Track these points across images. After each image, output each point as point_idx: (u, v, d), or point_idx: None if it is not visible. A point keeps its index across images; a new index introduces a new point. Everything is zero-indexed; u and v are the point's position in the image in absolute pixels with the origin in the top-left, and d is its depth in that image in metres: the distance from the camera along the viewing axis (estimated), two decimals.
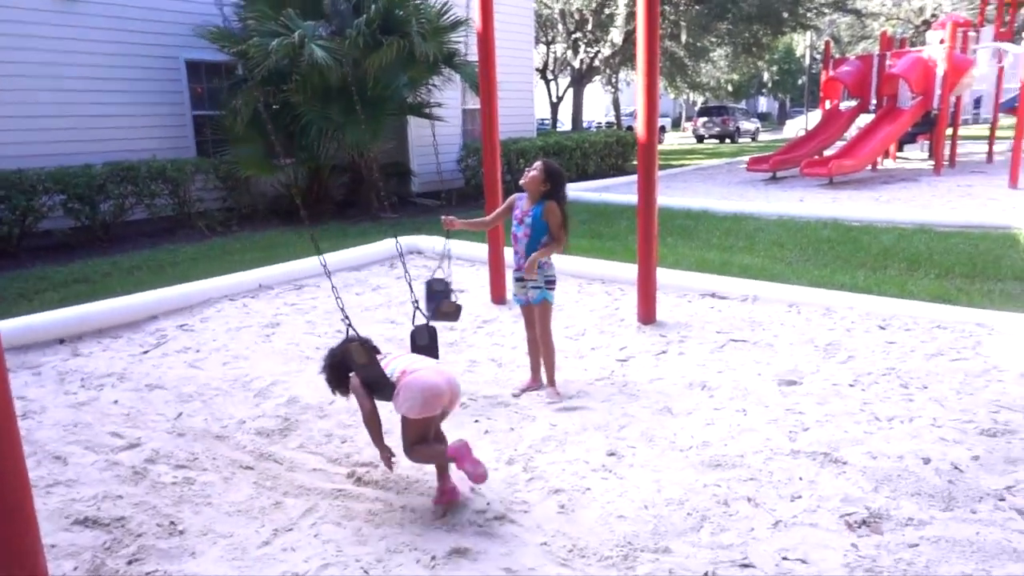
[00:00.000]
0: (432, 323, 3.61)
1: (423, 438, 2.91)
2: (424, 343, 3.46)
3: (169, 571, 2.63)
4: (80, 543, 2.81)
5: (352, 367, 3.00)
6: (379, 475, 3.31)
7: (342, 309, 3.20)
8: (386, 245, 8.28)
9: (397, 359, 3.02)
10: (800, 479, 3.18)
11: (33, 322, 5.29)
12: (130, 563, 2.68)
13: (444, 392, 2.86)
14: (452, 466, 2.95)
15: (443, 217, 4.05)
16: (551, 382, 4.23)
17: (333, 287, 3.43)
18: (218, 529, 2.91)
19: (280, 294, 6.64)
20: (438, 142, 12.01)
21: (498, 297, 6.18)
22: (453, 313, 3.83)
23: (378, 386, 2.94)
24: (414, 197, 13.29)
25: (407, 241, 8.47)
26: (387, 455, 3.01)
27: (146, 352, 5.12)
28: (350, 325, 3.11)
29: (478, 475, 2.80)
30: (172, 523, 2.95)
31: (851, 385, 4.20)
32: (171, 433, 3.82)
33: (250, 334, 5.45)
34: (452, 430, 3.72)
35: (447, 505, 2.99)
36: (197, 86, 11.38)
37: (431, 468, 3.20)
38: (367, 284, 7.03)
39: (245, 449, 3.62)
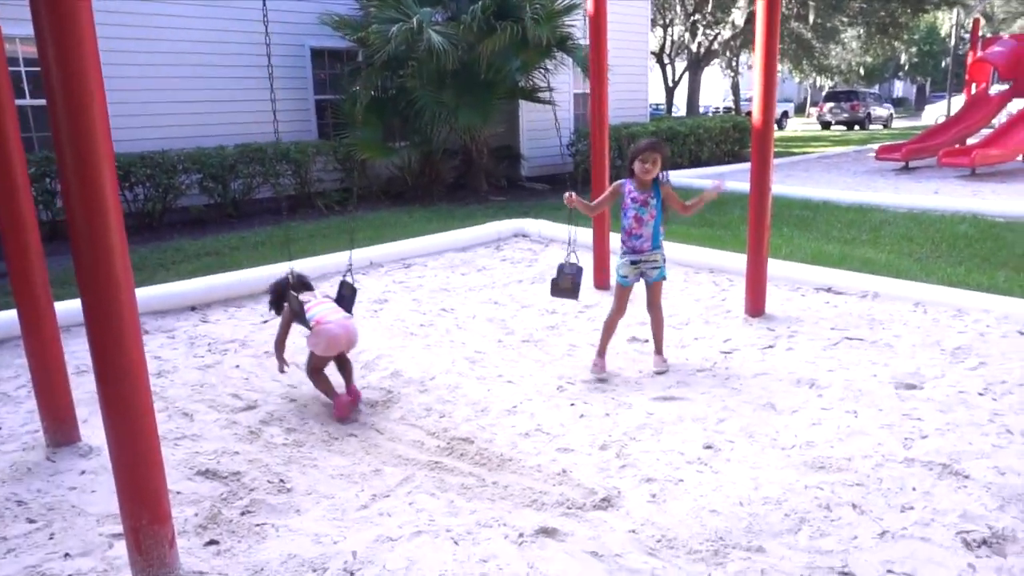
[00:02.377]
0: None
1: (319, 369, 3.82)
2: (347, 295, 4.11)
3: (276, 524, 2.82)
4: (201, 492, 3.06)
5: (288, 304, 3.85)
6: (474, 451, 3.38)
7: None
8: (492, 227, 8.39)
9: (318, 306, 3.85)
10: (913, 489, 2.97)
11: (169, 290, 5.77)
12: (243, 514, 2.89)
13: (342, 342, 3.78)
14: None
15: (566, 194, 4.09)
16: (661, 351, 4.40)
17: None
18: (321, 490, 3.08)
19: (389, 272, 6.89)
20: (548, 126, 12.03)
21: (601, 282, 6.13)
22: (569, 290, 4.26)
23: (300, 321, 3.85)
24: (523, 181, 13.37)
25: (513, 224, 8.56)
26: (282, 364, 3.92)
27: (266, 322, 5.46)
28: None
29: (341, 413, 3.73)
30: (281, 481, 3.15)
31: (980, 394, 3.87)
32: (285, 398, 4.07)
33: (359, 309, 5.68)
34: (548, 412, 3.77)
35: (351, 410, 3.77)
36: (320, 72, 11.93)
37: (525, 449, 3.37)
38: (472, 265, 7.17)
39: (350, 418, 3.80)
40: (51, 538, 2.75)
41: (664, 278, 4.28)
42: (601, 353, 4.33)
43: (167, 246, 8.07)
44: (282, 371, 3.96)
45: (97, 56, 2.12)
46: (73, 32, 2.04)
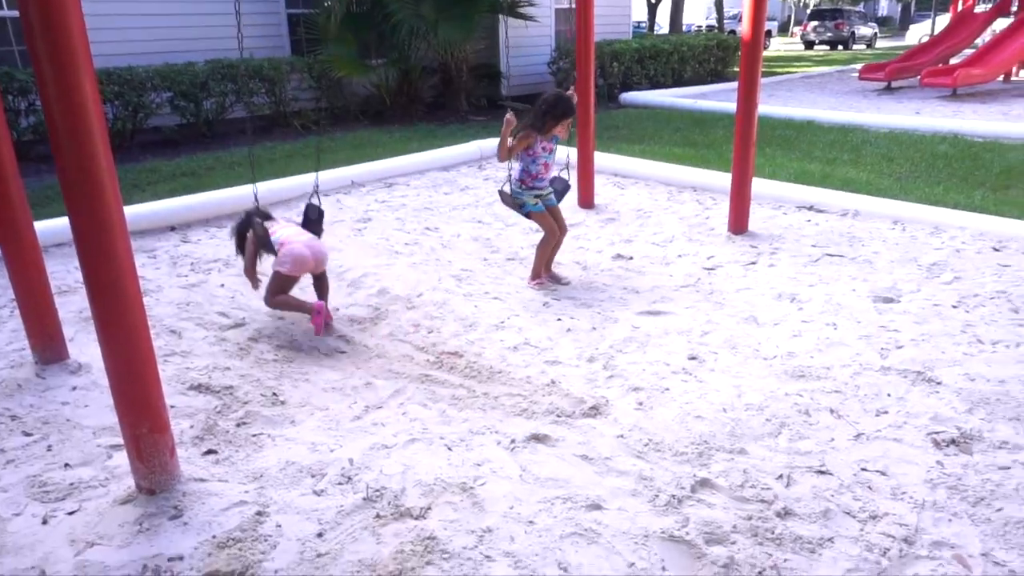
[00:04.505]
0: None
1: (283, 290, 3.76)
2: (313, 218, 4.08)
3: (272, 435, 2.87)
4: (195, 406, 3.10)
5: (252, 232, 3.87)
6: (463, 364, 3.44)
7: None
8: (474, 146, 8.26)
9: (283, 229, 3.87)
10: (888, 395, 3.10)
11: (147, 210, 5.65)
12: (238, 426, 2.95)
13: (309, 259, 3.76)
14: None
15: (508, 115, 4.10)
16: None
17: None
18: (315, 402, 3.14)
19: (371, 191, 6.80)
20: (529, 43, 11.66)
21: (585, 201, 6.12)
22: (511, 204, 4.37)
23: (266, 247, 3.83)
24: (504, 100, 13.08)
25: (495, 143, 8.41)
26: (255, 283, 3.94)
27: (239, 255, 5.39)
28: (256, 202, 3.98)
29: (318, 324, 3.73)
30: (274, 394, 3.20)
31: (954, 306, 3.99)
32: (271, 316, 4.07)
33: (343, 228, 5.65)
34: (535, 327, 3.82)
35: (325, 325, 3.78)
36: None
37: (514, 362, 3.44)
38: (455, 184, 7.10)
39: (339, 334, 3.83)
40: (49, 450, 2.78)
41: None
42: (539, 272, 4.42)
43: (140, 167, 7.85)
44: (255, 288, 3.98)
45: None
46: None
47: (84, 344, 3.64)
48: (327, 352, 3.63)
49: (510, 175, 4.34)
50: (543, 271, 4.45)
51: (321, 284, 3.97)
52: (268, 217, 4.04)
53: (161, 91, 9.13)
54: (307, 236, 3.89)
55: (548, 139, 4.22)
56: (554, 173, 4.42)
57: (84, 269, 2.24)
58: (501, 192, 4.37)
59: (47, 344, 3.47)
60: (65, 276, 4.60)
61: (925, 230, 5.28)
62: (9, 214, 3.25)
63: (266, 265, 3.92)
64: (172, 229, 5.65)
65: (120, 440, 2.55)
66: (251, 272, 3.95)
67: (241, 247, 4.01)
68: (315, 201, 4.08)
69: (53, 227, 4.94)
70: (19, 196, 3.27)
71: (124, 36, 9.54)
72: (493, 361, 3.47)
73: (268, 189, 6.36)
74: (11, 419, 3.01)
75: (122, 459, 2.60)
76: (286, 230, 3.87)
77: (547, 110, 4.09)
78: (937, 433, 2.81)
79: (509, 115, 4.08)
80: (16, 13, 9.00)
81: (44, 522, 2.37)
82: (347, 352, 3.64)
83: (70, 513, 2.41)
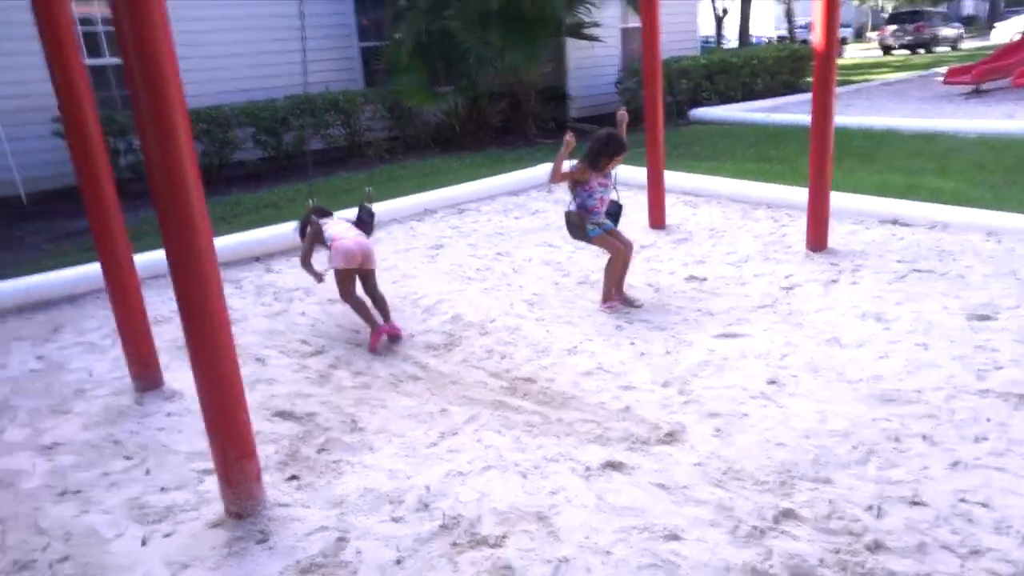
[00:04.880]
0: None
1: (348, 284, 4.05)
2: (365, 219, 4.36)
3: (352, 461, 2.95)
4: (279, 432, 3.22)
5: (309, 226, 4.25)
6: (537, 390, 3.45)
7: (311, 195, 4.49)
8: (543, 170, 8.30)
9: (335, 226, 4.17)
10: (988, 420, 2.92)
11: (234, 242, 5.95)
12: (320, 452, 3.04)
13: (356, 254, 3.99)
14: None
15: (567, 135, 4.14)
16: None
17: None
18: (392, 429, 3.21)
19: (443, 218, 6.94)
20: (595, 64, 11.70)
21: (657, 222, 6.06)
22: (578, 226, 4.37)
23: (319, 239, 4.19)
24: (571, 121, 13.14)
25: (564, 166, 8.44)
26: (315, 275, 4.30)
27: (327, 270, 5.58)
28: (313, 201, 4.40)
29: (372, 344, 4.02)
30: (353, 421, 3.29)
31: None
32: (350, 343, 4.20)
33: (417, 255, 5.78)
34: (608, 351, 3.80)
35: (380, 343, 4.02)
36: (363, 18, 11.82)
37: (587, 387, 3.43)
38: (525, 208, 7.16)
39: (414, 361, 3.91)
40: (147, 473, 2.94)
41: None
42: (611, 294, 4.40)
43: (226, 200, 8.28)
44: (320, 281, 4.36)
45: (166, 14, 2.17)
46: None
47: (177, 372, 3.84)
48: (403, 378, 3.71)
49: (574, 199, 4.36)
50: (614, 293, 4.42)
51: (375, 295, 4.18)
52: (327, 214, 4.40)
53: (245, 127, 9.62)
54: (355, 232, 4.17)
55: (603, 175, 4.25)
56: (613, 196, 4.47)
57: (179, 299, 2.38)
58: (568, 214, 4.40)
59: (144, 372, 3.69)
60: (160, 307, 4.87)
61: (1023, 242, 4.98)
62: (111, 247, 3.49)
63: (322, 257, 4.31)
64: (257, 259, 5.91)
65: (211, 465, 2.67)
66: (307, 261, 4.31)
67: (302, 232, 4.37)
68: (367, 203, 4.41)
69: (149, 260, 5.25)
70: (120, 231, 3.51)
71: (211, 76, 10.11)
72: (566, 387, 3.46)
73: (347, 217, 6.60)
74: (114, 443, 3.21)
75: (212, 484, 2.73)
76: (337, 227, 4.19)
77: (600, 149, 4.16)
78: None
79: (569, 136, 4.12)
80: (117, 61, 9.71)
81: (143, 543, 2.50)
82: (422, 378, 3.71)
83: (166, 535, 2.54)
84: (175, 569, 2.37)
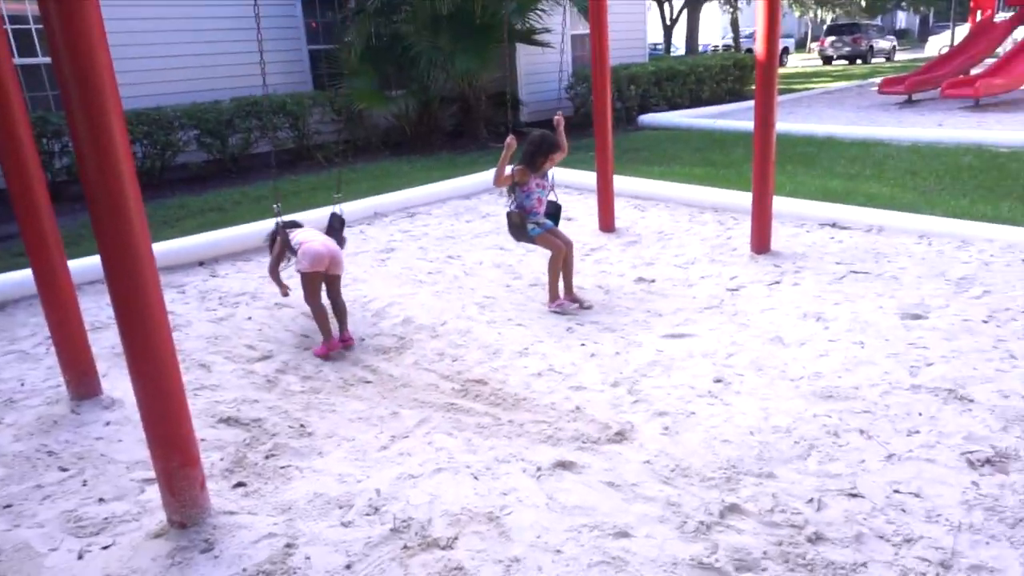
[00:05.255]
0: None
1: (315, 288, 3.98)
2: (336, 226, 4.35)
3: (300, 466, 2.90)
4: (224, 438, 3.14)
5: (277, 236, 4.21)
6: (488, 392, 3.46)
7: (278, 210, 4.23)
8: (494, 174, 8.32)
9: (303, 233, 4.15)
10: (920, 414, 3.05)
11: (177, 246, 5.79)
12: (267, 458, 2.98)
13: (324, 256, 3.95)
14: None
15: (509, 138, 4.26)
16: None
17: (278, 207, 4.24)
18: (341, 433, 3.16)
19: (394, 221, 6.89)
20: (546, 70, 11.81)
21: (606, 225, 6.14)
22: (519, 226, 4.43)
23: (288, 248, 4.14)
24: (523, 126, 13.21)
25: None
26: (282, 287, 4.28)
27: (291, 278, 5.48)
28: (279, 214, 4.20)
29: (319, 352, 3.98)
30: (302, 426, 3.23)
31: (984, 321, 3.92)
32: (298, 348, 4.13)
33: (367, 258, 5.72)
34: (559, 353, 3.83)
35: (331, 354, 3.96)
36: (311, 20, 11.67)
37: (538, 388, 3.45)
38: (476, 212, 7.16)
39: (364, 364, 3.87)
40: (84, 484, 2.84)
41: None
42: (556, 293, 4.45)
43: (169, 203, 8.05)
44: (285, 294, 4.34)
45: (99, 12, 2.10)
46: None
47: (117, 379, 3.72)
48: (353, 382, 3.67)
49: (513, 200, 4.43)
50: (563, 293, 4.47)
51: (336, 302, 4.11)
52: (296, 225, 4.32)
53: (188, 129, 9.37)
54: (323, 237, 4.14)
55: (540, 176, 4.36)
56: (551, 198, 4.59)
57: (115, 304, 2.31)
58: (509, 214, 4.47)
59: (81, 380, 3.55)
60: (98, 313, 4.71)
61: (952, 244, 5.21)
62: (44, 253, 3.36)
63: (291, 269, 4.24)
64: (201, 264, 5.77)
65: (152, 474, 2.59)
66: (275, 271, 4.27)
67: (270, 244, 4.33)
68: (337, 210, 4.41)
69: (86, 265, 5.07)
70: (53, 235, 3.38)
71: (152, 77, 9.82)
72: (518, 388, 3.48)
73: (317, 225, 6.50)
74: (48, 455, 3.08)
75: (154, 493, 2.64)
76: (306, 233, 4.16)
77: (535, 150, 4.28)
78: (971, 453, 2.76)
79: (510, 139, 4.22)
80: (45, 60, 9.35)
81: (80, 557, 2.41)
82: (373, 382, 3.67)
83: (105, 547, 2.45)
84: None
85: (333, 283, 4.10)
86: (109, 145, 2.14)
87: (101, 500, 2.73)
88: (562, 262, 4.42)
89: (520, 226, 4.39)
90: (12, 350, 4.27)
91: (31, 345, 4.32)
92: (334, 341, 4.01)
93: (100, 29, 2.10)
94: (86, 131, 2.12)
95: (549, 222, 4.49)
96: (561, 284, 4.48)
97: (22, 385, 3.80)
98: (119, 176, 2.17)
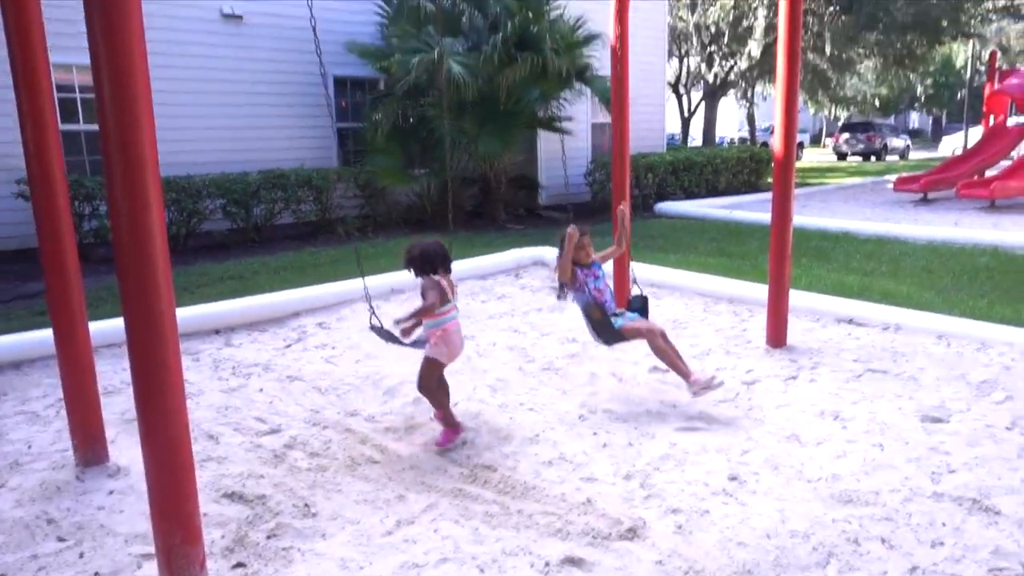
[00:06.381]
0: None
1: (434, 377, 3.73)
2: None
3: (302, 548, 2.83)
4: (227, 515, 3.08)
5: (427, 280, 3.72)
6: (497, 479, 3.39)
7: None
8: (511, 255, 8.44)
9: (453, 309, 3.75)
10: (943, 524, 2.94)
11: (194, 313, 5.85)
12: (269, 538, 2.91)
13: (459, 353, 3.77)
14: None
15: (570, 227, 4.07)
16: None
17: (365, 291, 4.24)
18: (346, 515, 3.09)
19: (410, 298, 6.93)
20: (566, 155, 12.15)
21: (777, 341, 5.68)
22: (600, 320, 4.18)
23: (427, 309, 3.65)
24: (541, 209, 13.46)
25: (532, 252, 8.61)
26: (401, 336, 3.82)
27: (288, 346, 5.52)
28: (373, 313, 3.97)
29: (441, 443, 3.72)
30: (306, 505, 3.17)
31: (1008, 428, 3.83)
32: (308, 423, 4.09)
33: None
34: (571, 441, 3.77)
35: (446, 446, 3.71)
36: (342, 100, 12.16)
37: (549, 477, 3.39)
38: (492, 293, 7.21)
39: (373, 443, 3.82)
40: (81, 556, 2.77)
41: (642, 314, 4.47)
42: (687, 370, 4.14)
43: (191, 270, 8.19)
44: (407, 336, 3.82)
45: (148, 80, 2.20)
46: (126, 56, 2.13)
47: (125, 446, 3.69)
48: (361, 461, 3.62)
49: (574, 300, 4.23)
50: (685, 367, 4.16)
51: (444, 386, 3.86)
52: (448, 265, 3.81)
53: (215, 198, 9.64)
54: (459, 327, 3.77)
55: (587, 267, 4.21)
56: (635, 291, 4.58)
57: (134, 373, 2.31)
58: (588, 313, 4.17)
59: (89, 445, 3.54)
60: (112, 377, 4.72)
61: (971, 346, 5.16)
62: (67, 315, 3.41)
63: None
64: (216, 332, 5.81)
65: (151, 549, 2.54)
66: (411, 324, 3.75)
67: (419, 269, 3.75)
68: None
69: (104, 328, 5.12)
70: (78, 299, 3.44)
71: (185, 147, 10.19)
72: (527, 476, 3.41)
73: (313, 295, 6.57)
74: (47, 523, 3.03)
75: (152, 569, 2.58)
76: (454, 310, 3.76)
77: (562, 243, 4.12)
78: (1000, 570, 2.64)
79: (571, 228, 4.00)
80: (86, 127, 9.75)
81: None
82: (380, 462, 3.62)
83: None
84: None
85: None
86: (146, 218, 2.20)
87: (96, 575, 2.66)
88: (664, 341, 4.13)
89: (603, 321, 4.12)
90: (23, 411, 4.27)
91: (42, 407, 4.32)
92: (462, 424, 3.80)
93: (148, 101, 2.19)
94: (124, 196, 2.18)
95: (633, 314, 4.33)
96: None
97: (29, 448, 3.78)
98: (152, 249, 2.23)
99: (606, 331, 4.19)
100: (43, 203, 3.29)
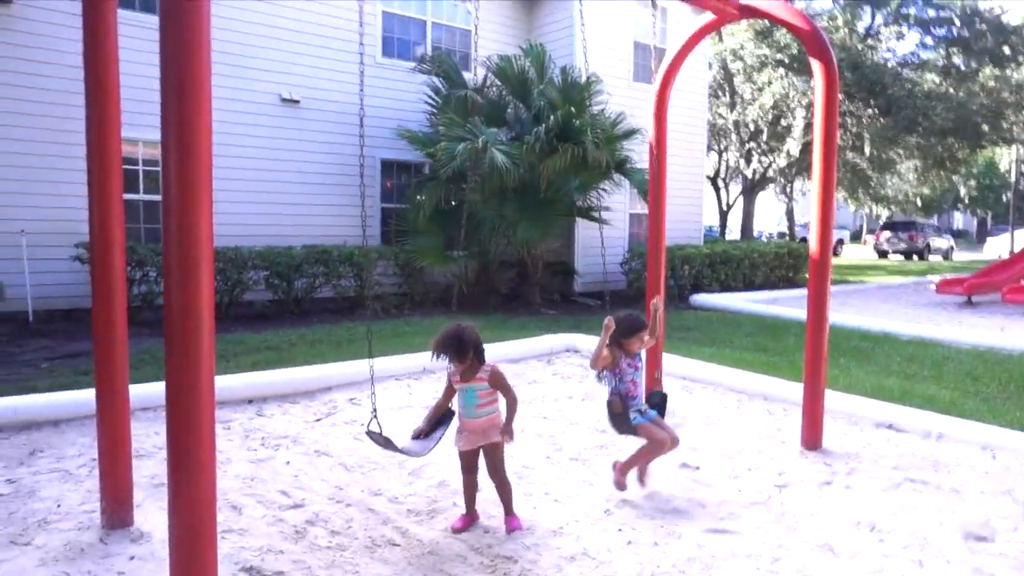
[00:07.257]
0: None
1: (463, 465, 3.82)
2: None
3: None
4: None
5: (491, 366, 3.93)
6: (518, 572, 3.31)
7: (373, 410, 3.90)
8: (544, 341, 8.46)
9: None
10: None
11: (229, 383, 5.96)
12: None
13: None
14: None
15: (607, 318, 4.03)
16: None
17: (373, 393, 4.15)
18: None
19: (441, 379, 6.95)
20: (604, 244, 12.34)
21: (812, 442, 5.36)
22: (621, 415, 4.11)
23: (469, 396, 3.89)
24: (576, 296, 13.55)
25: (565, 339, 8.63)
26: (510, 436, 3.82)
27: (318, 420, 5.56)
28: (374, 417, 3.80)
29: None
30: None
31: None
32: (331, 499, 4.08)
33: (411, 414, 5.74)
34: (595, 536, 3.68)
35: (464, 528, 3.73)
36: (388, 181, 12.64)
37: (570, 574, 3.26)
38: (523, 378, 7.20)
39: (395, 524, 3.78)
40: None
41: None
42: (627, 471, 4.21)
43: (229, 337, 8.38)
44: (510, 439, 3.84)
45: (210, 158, 2.35)
46: (194, 134, 2.28)
47: (150, 511, 3.72)
48: (381, 543, 3.57)
49: (608, 385, 4.20)
50: (640, 472, 4.23)
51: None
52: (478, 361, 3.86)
53: (260, 270, 9.98)
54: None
55: (632, 357, 4.18)
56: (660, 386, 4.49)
57: (169, 434, 2.36)
58: (610, 403, 4.15)
59: (116, 508, 3.57)
60: (144, 440, 4.80)
61: (1019, 459, 4.94)
62: (111, 377, 3.51)
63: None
64: (249, 402, 5.89)
65: None
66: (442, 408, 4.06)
67: (460, 355, 3.82)
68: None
69: (141, 392, 5.24)
70: (123, 359, 3.55)
71: (236, 220, 10.65)
72: (549, 571, 3.32)
73: (346, 371, 6.64)
74: None
75: None
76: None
77: (624, 330, 4.06)
78: None
79: (608, 320, 3.95)
80: (145, 197, 10.27)
81: None
82: (401, 545, 3.57)
83: None
84: None
85: (488, 454, 3.83)
86: (197, 291, 2.31)
87: None
88: (657, 455, 4.15)
89: (622, 415, 4.10)
90: (57, 468, 4.35)
91: (75, 466, 4.40)
92: (475, 514, 3.85)
93: (208, 178, 2.33)
94: (178, 266, 2.28)
95: (653, 411, 4.25)
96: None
97: (58, 506, 3.83)
98: (200, 320, 2.32)
99: (622, 424, 4.14)
100: (101, 268, 3.47)
